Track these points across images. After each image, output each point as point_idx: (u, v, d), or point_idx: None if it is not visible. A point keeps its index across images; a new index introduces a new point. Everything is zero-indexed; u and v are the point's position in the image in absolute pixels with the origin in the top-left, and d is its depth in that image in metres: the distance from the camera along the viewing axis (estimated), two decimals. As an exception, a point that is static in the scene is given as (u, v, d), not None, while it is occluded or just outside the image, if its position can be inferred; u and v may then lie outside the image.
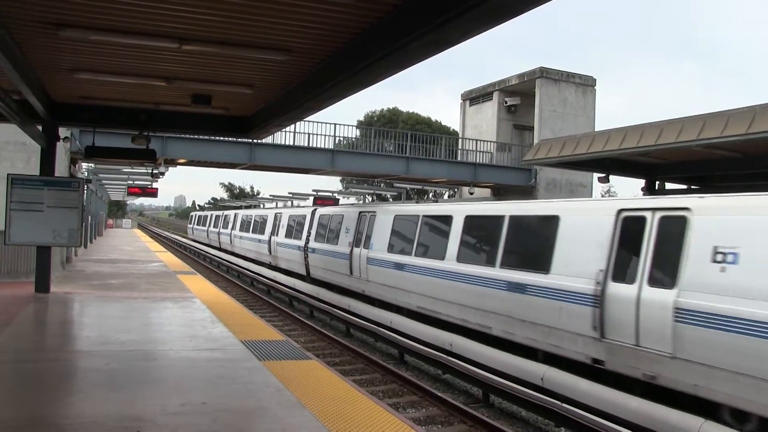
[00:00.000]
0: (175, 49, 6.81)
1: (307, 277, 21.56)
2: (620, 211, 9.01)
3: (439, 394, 8.95)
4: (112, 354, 7.01)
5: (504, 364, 9.99)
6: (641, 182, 17.96)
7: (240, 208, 39.17)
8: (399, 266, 14.75)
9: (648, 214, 8.57)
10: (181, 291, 13.04)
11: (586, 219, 9.73)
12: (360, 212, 17.96)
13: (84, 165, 23.18)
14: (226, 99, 9.87)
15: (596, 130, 24.83)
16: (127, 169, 24.15)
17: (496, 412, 8.89)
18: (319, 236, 20.74)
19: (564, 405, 7.85)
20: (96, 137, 12.58)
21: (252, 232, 30.50)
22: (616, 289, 8.60)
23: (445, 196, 35.69)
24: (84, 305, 10.75)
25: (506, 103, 30.67)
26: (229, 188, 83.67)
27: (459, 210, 13.42)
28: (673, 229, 8.15)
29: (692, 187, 18.23)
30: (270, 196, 35.31)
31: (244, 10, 5.66)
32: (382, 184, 30.40)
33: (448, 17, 4.50)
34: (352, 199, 29.35)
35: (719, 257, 7.38)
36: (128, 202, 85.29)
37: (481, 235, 12.71)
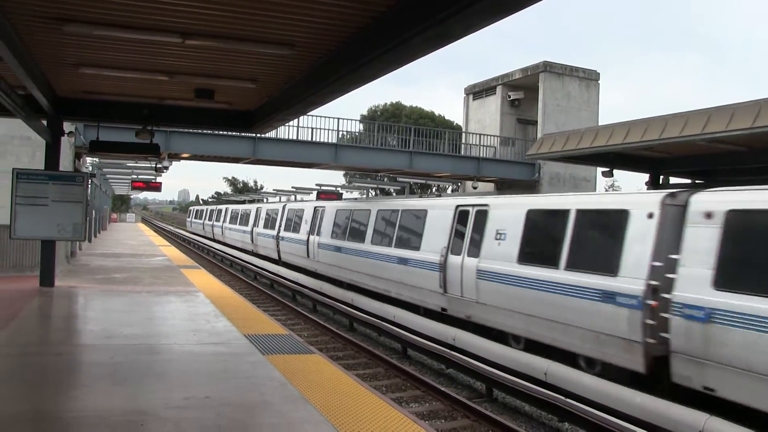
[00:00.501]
0: (179, 43, 6.80)
1: (279, 261, 25.30)
2: (457, 206, 13.08)
3: (442, 389, 8.97)
4: (116, 348, 7.04)
5: (507, 359, 10.02)
6: (645, 176, 17.91)
7: (244, 202, 39.33)
8: (339, 250, 18.59)
9: (470, 208, 12.62)
10: (184, 285, 13.07)
11: (441, 212, 13.62)
12: (315, 207, 21.78)
13: (88, 159, 23.20)
14: (229, 93, 9.87)
15: (600, 124, 24.76)
16: (131, 164, 24.18)
17: (500, 406, 8.90)
18: (287, 227, 24.57)
19: (567, 400, 7.85)
20: (100, 132, 12.59)
21: (238, 224, 34.59)
22: (451, 259, 12.67)
23: (449, 191, 35.66)
24: (88, 299, 10.80)
25: (510, 97, 30.58)
26: (233, 182, 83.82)
27: (373, 205, 17.47)
28: (480, 218, 12.21)
29: (696, 181, 18.16)
30: (273, 190, 35.32)
31: (247, 5, 5.65)
32: (385, 179, 30.39)
33: (451, 11, 4.49)
34: (355, 194, 29.33)
35: (498, 236, 11.50)
36: (132, 197, 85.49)
37: (357, 222, 17.65)
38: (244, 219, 33.13)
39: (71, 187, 11.19)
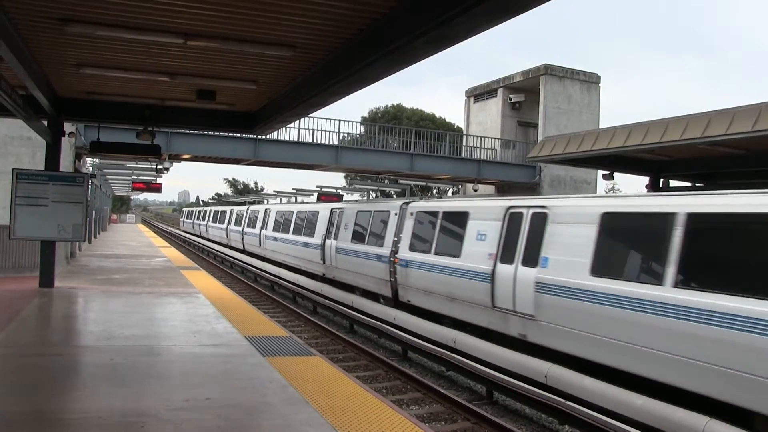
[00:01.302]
0: (181, 44, 6.80)
1: (244, 252, 31.79)
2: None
3: (442, 391, 8.95)
4: (116, 349, 7.03)
5: (508, 361, 9.99)
6: (645, 179, 17.91)
7: (244, 203, 39.75)
8: (276, 239, 25.35)
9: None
10: (185, 286, 13.06)
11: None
12: (265, 209, 29.05)
13: (89, 160, 23.21)
14: (230, 94, 9.87)
15: (601, 126, 24.79)
16: (131, 165, 24.17)
17: (500, 409, 8.89)
18: (249, 224, 31.44)
19: (568, 402, 7.83)
20: (101, 132, 12.59)
21: (218, 223, 42.37)
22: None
23: (449, 193, 35.66)
24: (88, 300, 10.78)
25: (511, 99, 30.62)
26: (233, 184, 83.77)
27: (324, 207, 19.21)
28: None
29: (696, 184, 18.17)
30: (274, 192, 35.36)
31: (249, 6, 5.65)
32: (386, 181, 30.40)
33: (454, 13, 4.48)
34: (356, 195, 29.34)
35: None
36: (132, 198, 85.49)
37: (284, 221, 21.56)
38: (221, 218, 41.73)
39: (71, 187, 11.18)
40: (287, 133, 23.14)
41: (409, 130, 27.18)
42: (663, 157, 15.91)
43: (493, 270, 11.05)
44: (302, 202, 27.92)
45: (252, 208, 32.72)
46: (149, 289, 12.17)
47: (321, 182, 51.88)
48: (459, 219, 12.83)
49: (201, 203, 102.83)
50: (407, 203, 15.38)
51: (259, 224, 29.85)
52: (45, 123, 11.14)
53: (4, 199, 11.73)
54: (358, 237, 17.34)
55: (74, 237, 11.62)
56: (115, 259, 19.06)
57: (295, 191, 30.68)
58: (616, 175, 17.81)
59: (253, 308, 11.29)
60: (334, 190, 27.10)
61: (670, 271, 7.78)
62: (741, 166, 14.36)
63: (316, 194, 26.01)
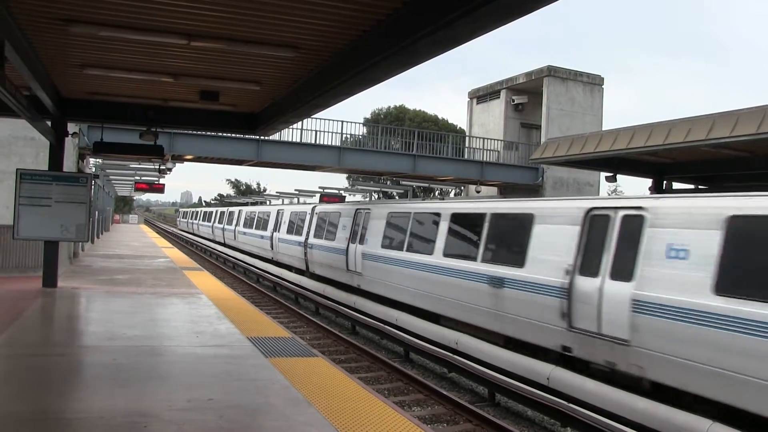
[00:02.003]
0: (184, 45, 6.81)
1: (224, 244, 38.47)
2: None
3: (444, 393, 8.93)
4: (118, 349, 7.04)
5: (510, 363, 9.98)
6: (648, 181, 17.90)
7: (246, 204, 40.12)
8: (245, 233, 31.90)
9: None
10: (187, 287, 13.07)
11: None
12: (239, 210, 35.87)
13: (92, 160, 23.25)
14: (233, 95, 9.88)
15: (604, 129, 24.75)
16: (134, 165, 24.21)
17: (502, 411, 8.87)
18: (228, 222, 38.15)
19: (570, 405, 7.82)
20: (104, 133, 12.62)
21: (206, 221, 49.89)
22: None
23: (452, 194, 35.67)
24: (91, 300, 10.79)
25: (514, 101, 30.58)
26: (236, 185, 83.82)
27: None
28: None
29: (700, 186, 18.15)
30: (276, 193, 35.45)
31: (253, 7, 5.66)
32: (388, 182, 30.40)
33: (458, 15, 4.48)
34: (359, 197, 29.36)
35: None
36: (135, 198, 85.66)
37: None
38: (209, 218, 48.92)
39: (75, 188, 11.21)
40: (290, 134, 23.14)
41: (412, 132, 27.16)
42: (666, 160, 15.90)
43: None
44: (304, 203, 28.01)
45: (230, 209, 39.64)
46: (152, 290, 12.18)
47: (323, 183, 52.53)
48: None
49: (204, 204, 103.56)
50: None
51: (234, 222, 36.49)
52: (48, 123, 11.16)
53: (7, 198, 11.76)
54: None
55: (77, 237, 11.64)
56: (117, 259, 19.08)
57: (297, 192, 30.74)
58: (619, 177, 17.80)
59: (256, 309, 11.30)
60: (337, 191, 27.14)
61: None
62: (745, 168, 14.35)
63: (318, 195, 26.08)
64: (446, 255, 12.77)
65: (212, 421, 4.86)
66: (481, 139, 29.01)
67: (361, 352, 11.81)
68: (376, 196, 27.33)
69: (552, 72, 28.61)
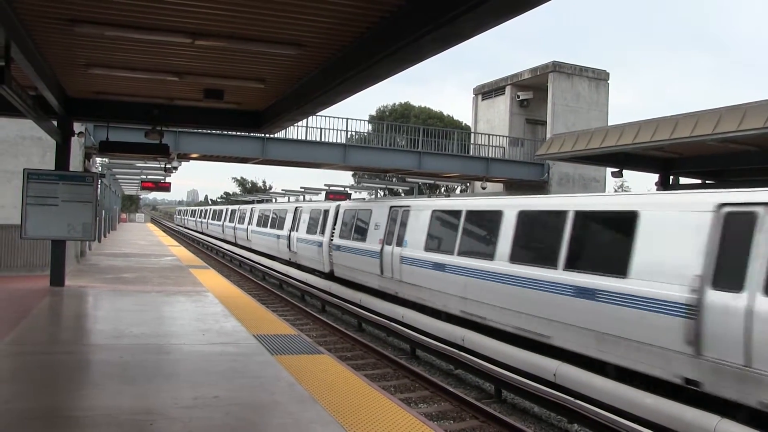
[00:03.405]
0: (188, 44, 6.82)
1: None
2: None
3: (451, 390, 8.94)
4: (125, 347, 7.07)
5: (516, 360, 9.97)
6: (655, 177, 17.82)
7: (253, 202, 40.19)
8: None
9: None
10: (193, 285, 13.11)
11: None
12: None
13: (98, 160, 23.33)
14: (238, 93, 9.89)
15: (609, 124, 24.65)
16: (140, 164, 24.27)
17: (509, 407, 8.87)
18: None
19: (577, 401, 7.80)
20: (110, 132, 12.64)
21: (202, 218, 57.87)
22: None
23: (458, 191, 35.62)
24: (98, 299, 10.85)
25: (519, 97, 30.51)
26: (242, 182, 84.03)
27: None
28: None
29: (707, 182, 18.05)
30: (282, 190, 35.49)
31: (257, 5, 5.66)
32: (394, 179, 30.39)
33: (462, 10, 4.47)
34: (364, 194, 29.37)
35: None
36: (141, 197, 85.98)
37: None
38: (204, 215, 56.96)
39: (81, 187, 11.25)
40: (295, 131, 23.17)
41: (417, 129, 27.15)
42: (672, 154, 15.83)
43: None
44: (311, 200, 27.98)
45: (221, 207, 48.77)
46: (158, 288, 12.23)
47: (329, 181, 52.73)
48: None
49: (210, 202, 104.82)
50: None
51: (224, 219, 42.80)
52: (55, 123, 11.20)
53: (15, 198, 11.81)
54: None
55: (84, 236, 11.69)
56: (124, 258, 19.16)
57: (303, 190, 30.76)
58: (625, 172, 17.73)
59: (262, 307, 11.33)
60: (343, 189, 27.14)
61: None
62: (752, 162, 14.25)
63: (324, 192, 26.06)
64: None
65: (218, 418, 4.88)
66: (487, 136, 28.96)
67: (367, 349, 11.82)
68: (382, 194, 27.32)
69: (557, 67, 28.52)
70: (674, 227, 8.19)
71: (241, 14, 5.93)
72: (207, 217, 53.79)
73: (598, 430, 7.34)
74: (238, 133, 21.15)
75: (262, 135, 20.51)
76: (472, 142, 29.91)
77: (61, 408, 5.02)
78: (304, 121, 22.68)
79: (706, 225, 7.64)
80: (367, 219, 17.38)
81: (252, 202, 39.58)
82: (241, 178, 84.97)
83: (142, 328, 8.21)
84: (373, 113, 55.43)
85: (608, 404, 8.00)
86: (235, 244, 37.51)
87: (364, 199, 24.89)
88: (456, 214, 13.28)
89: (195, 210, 71.49)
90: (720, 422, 6.89)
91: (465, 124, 48.53)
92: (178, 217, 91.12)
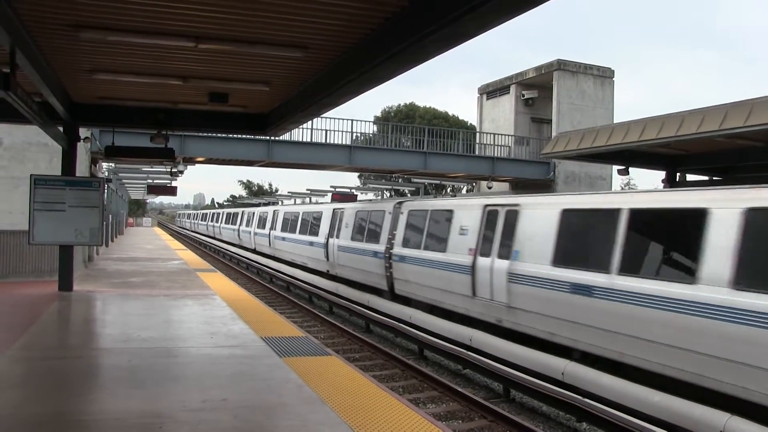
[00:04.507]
0: (192, 48, 6.85)
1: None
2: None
3: (459, 390, 8.93)
4: (133, 351, 7.09)
5: (524, 359, 9.94)
6: (661, 174, 17.76)
7: (258, 205, 40.17)
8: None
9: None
10: (201, 288, 13.14)
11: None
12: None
13: (104, 164, 23.45)
14: (243, 97, 9.91)
15: (615, 121, 24.56)
16: (146, 168, 24.41)
17: (517, 407, 8.85)
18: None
19: (585, 400, 7.78)
20: (115, 137, 12.72)
21: (202, 221, 63.57)
22: None
23: (464, 191, 35.60)
24: (106, 303, 10.88)
25: (524, 96, 30.45)
26: (248, 185, 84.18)
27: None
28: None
29: (714, 178, 17.96)
30: (288, 193, 35.53)
31: (260, 8, 5.67)
32: (400, 180, 30.39)
33: (465, 10, 4.47)
34: (371, 195, 29.40)
35: None
36: (148, 201, 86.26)
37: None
38: (204, 218, 62.71)
39: (88, 192, 11.30)
40: (300, 134, 23.21)
41: (422, 129, 27.13)
42: (679, 151, 15.77)
43: None
44: (317, 203, 27.94)
45: (218, 211, 54.55)
46: (166, 292, 12.26)
47: (334, 182, 52.54)
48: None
49: (216, 205, 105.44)
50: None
51: (219, 220, 49.76)
52: (60, 129, 11.26)
53: (23, 204, 11.88)
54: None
55: (91, 241, 11.74)
56: (131, 262, 19.22)
57: (309, 192, 30.81)
58: (631, 170, 17.69)
59: (269, 309, 11.34)
60: (349, 190, 27.16)
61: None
62: (760, 158, 14.17)
63: (330, 194, 26.10)
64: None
65: (226, 421, 4.88)
66: (492, 135, 28.92)
67: (375, 350, 11.82)
68: (388, 194, 27.29)
69: (562, 66, 28.44)
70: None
71: (245, 18, 5.95)
72: (220, 221, 49.68)
73: (606, 429, 7.32)
74: (244, 136, 21.19)
75: (268, 137, 20.54)
76: (477, 141, 29.87)
77: (71, 412, 5.04)
78: (309, 122, 22.70)
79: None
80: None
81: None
82: (247, 180, 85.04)
83: (150, 331, 8.23)
84: (379, 114, 55.51)
85: (616, 402, 7.97)
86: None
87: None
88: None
89: (206, 213, 64.90)
90: (730, 419, 6.85)
91: (470, 124, 48.52)
92: (178, 219, 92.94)
